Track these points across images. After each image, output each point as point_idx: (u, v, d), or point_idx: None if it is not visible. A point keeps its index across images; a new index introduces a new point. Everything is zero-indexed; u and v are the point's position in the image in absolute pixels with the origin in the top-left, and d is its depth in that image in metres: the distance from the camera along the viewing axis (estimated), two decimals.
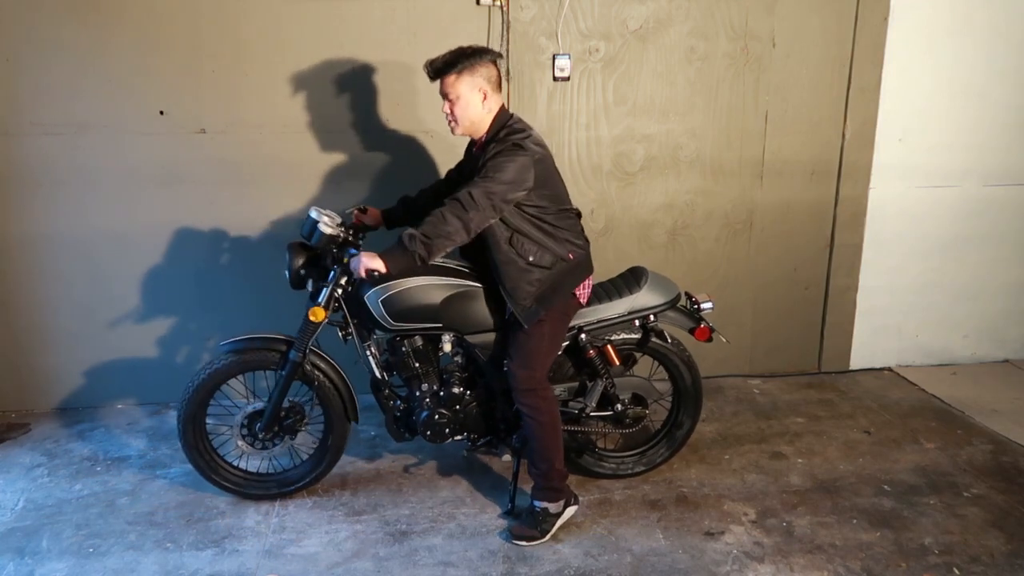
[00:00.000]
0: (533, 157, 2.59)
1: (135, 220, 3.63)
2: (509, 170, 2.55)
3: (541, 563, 2.68)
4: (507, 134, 2.63)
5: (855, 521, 2.92)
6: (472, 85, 2.61)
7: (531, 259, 2.67)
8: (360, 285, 2.81)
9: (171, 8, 3.43)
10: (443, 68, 2.61)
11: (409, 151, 3.70)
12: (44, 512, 2.98)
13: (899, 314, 4.29)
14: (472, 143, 2.83)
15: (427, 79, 2.68)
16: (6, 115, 3.46)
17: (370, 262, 2.58)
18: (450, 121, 2.69)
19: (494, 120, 2.68)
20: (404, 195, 3.12)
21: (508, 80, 3.63)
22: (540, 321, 2.71)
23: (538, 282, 2.70)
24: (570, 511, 2.88)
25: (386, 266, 2.58)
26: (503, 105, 2.72)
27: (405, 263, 2.59)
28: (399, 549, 2.75)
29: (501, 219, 2.63)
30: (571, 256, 2.76)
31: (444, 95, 2.65)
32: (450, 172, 3.08)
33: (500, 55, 2.73)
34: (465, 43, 3.56)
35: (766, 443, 3.51)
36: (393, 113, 3.65)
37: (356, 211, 3.03)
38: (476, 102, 2.63)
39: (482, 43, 3.57)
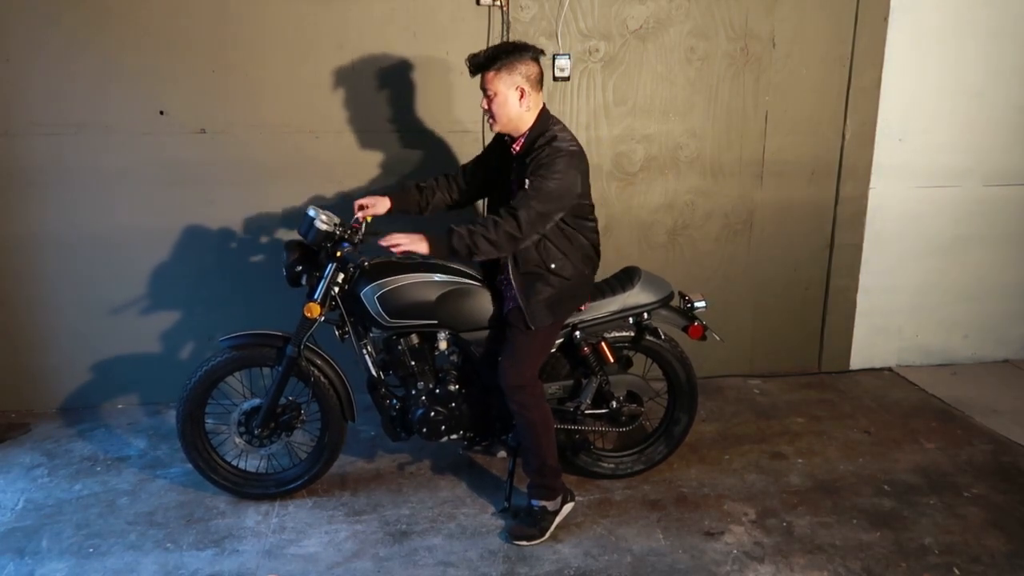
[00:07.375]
0: (580, 169, 2.61)
1: (135, 220, 3.62)
2: (560, 190, 2.56)
3: (541, 563, 2.68)
4: (549, 141, 2.59)
5: (855, 521, 2.92)
6: (510, 83, 2.59)
7: (553, 266, 2.69)
8: (357, 282, 2.82)
9: (172, 8, 3.43)
10: (483, 64, 2.60)
11: (410, 150, 3.70)
12: (44, 512, 2.98)
13: (899, 314, 4.28)
14: (507, 141, 2.78)
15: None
16: (6, 115, 3.46)
17: (411, 244, 2.61)
18: (489, 118, 2.68)
19: (536, 122, 2.66)
20: (416, 182, 3.02)
21: None
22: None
23: (555, 290, 2.71)
24: (567, 508, 2.88)
25: (429, 251, 2.62)
26: (544, 106, 2.71)
27: (445, 255, 2.64)
28: (399, 549, 2.75)
29: None
30: (587, 272, 2.79)
31: (483, 90, 2.65)
32: (466, 166, 3.02)
33: (542, 52, 2.69)
34: (465, 43, 3.56)
35: (766, 443, 3.51)
36: (394, 113, 3.64)
37: (360, 213, 2.89)
38: (514, 100, 2.61)
39: (482, 43, 3.58)
